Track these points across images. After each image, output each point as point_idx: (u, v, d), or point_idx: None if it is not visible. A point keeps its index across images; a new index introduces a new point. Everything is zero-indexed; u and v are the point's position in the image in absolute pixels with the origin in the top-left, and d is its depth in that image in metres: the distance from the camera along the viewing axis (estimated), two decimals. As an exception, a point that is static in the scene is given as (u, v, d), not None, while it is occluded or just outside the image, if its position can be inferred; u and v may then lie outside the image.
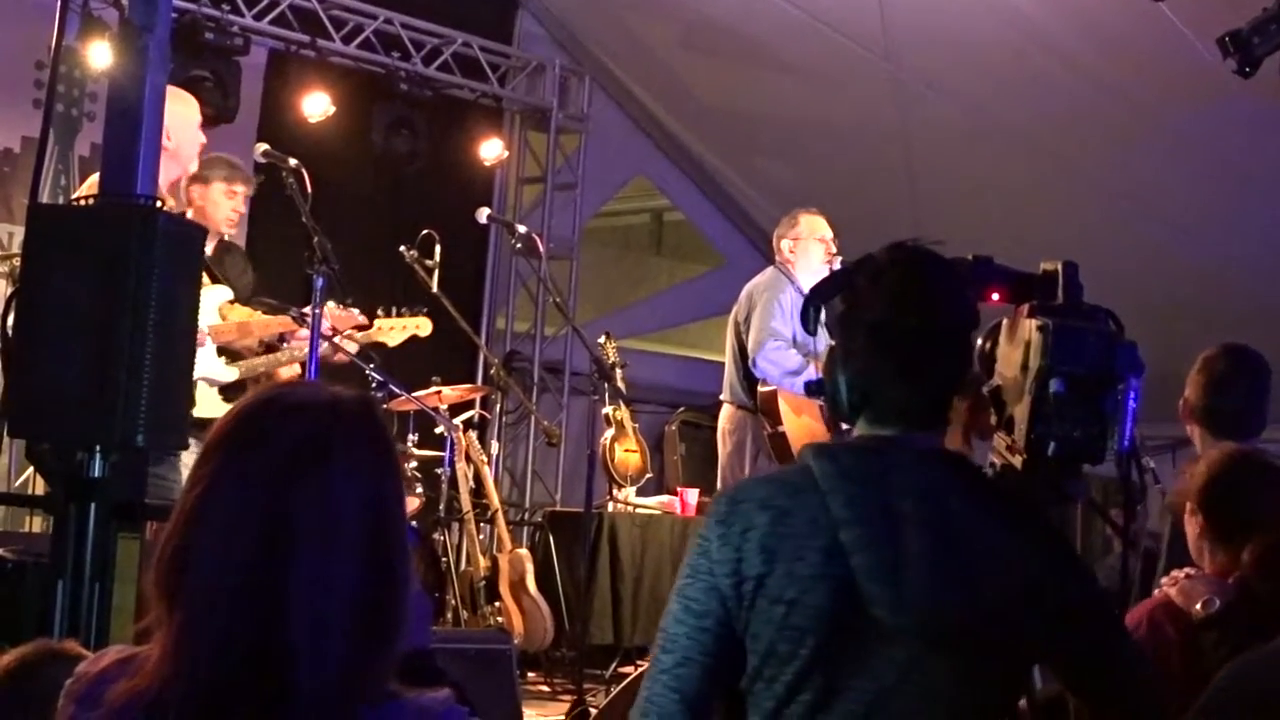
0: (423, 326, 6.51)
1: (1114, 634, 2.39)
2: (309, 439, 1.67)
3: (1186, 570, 3.14)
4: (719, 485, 6.49)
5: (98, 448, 3.53)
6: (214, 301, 5.47)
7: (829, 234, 6.41)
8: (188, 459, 4.62)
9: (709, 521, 2.32)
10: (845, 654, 2.20)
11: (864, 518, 2.18)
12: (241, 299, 5.89)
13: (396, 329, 6.40)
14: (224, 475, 1.66)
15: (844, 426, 2.42)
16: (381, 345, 6.42)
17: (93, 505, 3.52)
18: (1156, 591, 3.15)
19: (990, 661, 2.24)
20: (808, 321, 2.49)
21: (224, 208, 5.82)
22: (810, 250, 6.36)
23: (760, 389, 6.19)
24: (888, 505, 2.19)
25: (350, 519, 1.65)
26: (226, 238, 5.95)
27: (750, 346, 6.22)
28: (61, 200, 6.86)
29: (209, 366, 5.45)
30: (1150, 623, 2.97)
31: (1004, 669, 2.29)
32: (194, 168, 5.25)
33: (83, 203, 3.97)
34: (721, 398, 6.49)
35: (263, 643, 1.60)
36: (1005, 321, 2.54)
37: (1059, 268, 2.54)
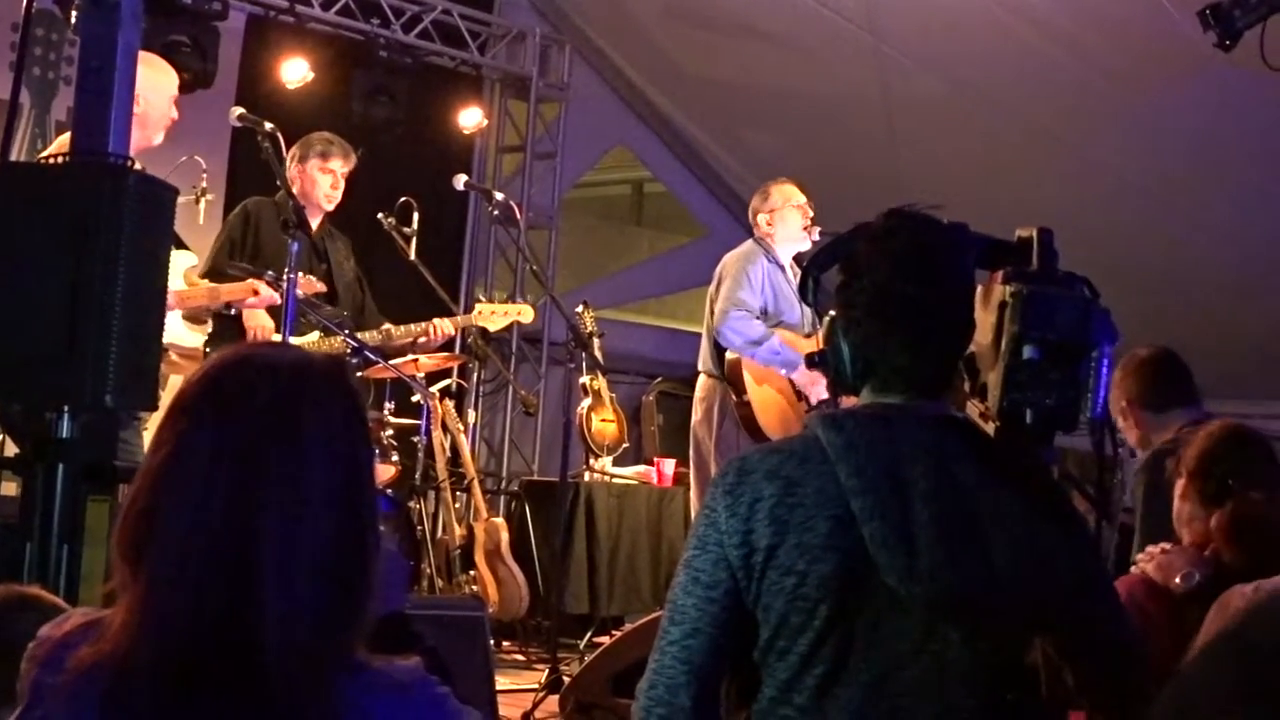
0: (525, 314, 6.77)
1: (1115, 605, 2.39)
2: (279, 401, 1.65)
3: (1162, 545, 3.12)
4: (690, 450, 6.50)
5: (66, 408, 3.50)
6: (179, 268, 5.41)
7: (803, 199, 6.41)
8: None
9: (715, 492, 2.29)
10: (858, 624, 2.19)
11: (873, 486, 2.17)
12: (342, 285, 6.04)
13: (498, 314, 6.66)
14: (193, 438, 1.64)
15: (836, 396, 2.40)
16: (483, 330, 6.86)
17: (61, 467, 3.49)
18: (1134, 569, 3.14)
19: (1001, 629, 2.24)
20: (806, 291, 2.46)
21: (322, 184, 6.14)
22: (788, 218, 6.36)
23: (727, 358, 6.21)
24: (896, 473, 2.17)
25: (320, 481, 1.63)
26: (328, 210, 6.21)
27: (715, 315, 6.23)
28: (37, 164, 6.80)
29: (176, 332, 5.41)
30: (1131, 603, 2.93)
31: (1014, 637, 2.28)
32: (159, 140, 5.10)
33: (52, 161, 3.92)
34: (699, 368, 6.50)
35: (232, 606, 1.58)
36: (979, 288, 2.52)
37: (1034, 234, 2.53)
